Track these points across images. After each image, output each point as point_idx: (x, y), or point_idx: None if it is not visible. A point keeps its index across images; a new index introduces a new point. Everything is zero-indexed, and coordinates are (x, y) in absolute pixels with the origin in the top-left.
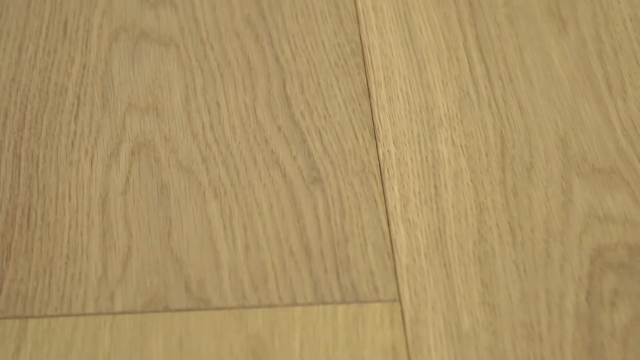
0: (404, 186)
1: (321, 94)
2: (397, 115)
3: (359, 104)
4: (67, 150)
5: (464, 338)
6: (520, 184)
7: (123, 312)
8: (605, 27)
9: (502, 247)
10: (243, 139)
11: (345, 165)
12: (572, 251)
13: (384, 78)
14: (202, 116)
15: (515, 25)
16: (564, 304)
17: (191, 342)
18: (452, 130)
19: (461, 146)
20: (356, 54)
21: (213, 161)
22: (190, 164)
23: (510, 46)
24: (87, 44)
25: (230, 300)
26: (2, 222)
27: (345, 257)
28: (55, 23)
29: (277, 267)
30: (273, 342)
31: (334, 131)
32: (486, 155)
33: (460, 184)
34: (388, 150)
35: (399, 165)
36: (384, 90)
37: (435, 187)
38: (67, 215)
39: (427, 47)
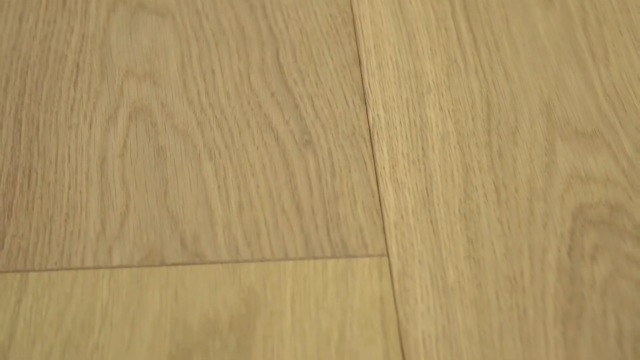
0: (392, 148)
1: (313, 62)
2: (387, 81)
3: (350, 71)
4: (66, 114)
5: (449, 290)
6: (505, 146)
7: (120, 266)
8: None
9: (487, 205)
10: (237, 104)
11: (336, 129)
12: (554, 209)
13: (374, 46)
14: (198, 83)
15: None
16: (547, 258)
17: (186, 295)
18: (439, 96)
19: (448, 111)
20: (347, 24)
21: (208, 125)
22: (185, 127)
23: (497, 16)
24: (85, 15)
25: (224, 254)
26: (4, 182)
27: (335, 214)
28: None
29: (269, 223)
30: (265, 294)
31: (325, 97)
32: (472, 119)
33: (447, 146)
34: (377, 115)
35: (388, 128)
36: (374, 57)
37: (422, 149)
38: (66, 176)
39: (416, 18)
